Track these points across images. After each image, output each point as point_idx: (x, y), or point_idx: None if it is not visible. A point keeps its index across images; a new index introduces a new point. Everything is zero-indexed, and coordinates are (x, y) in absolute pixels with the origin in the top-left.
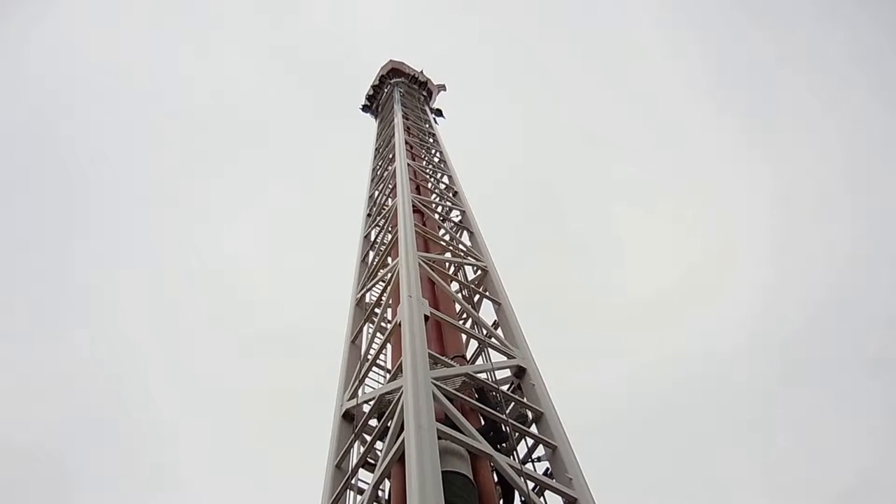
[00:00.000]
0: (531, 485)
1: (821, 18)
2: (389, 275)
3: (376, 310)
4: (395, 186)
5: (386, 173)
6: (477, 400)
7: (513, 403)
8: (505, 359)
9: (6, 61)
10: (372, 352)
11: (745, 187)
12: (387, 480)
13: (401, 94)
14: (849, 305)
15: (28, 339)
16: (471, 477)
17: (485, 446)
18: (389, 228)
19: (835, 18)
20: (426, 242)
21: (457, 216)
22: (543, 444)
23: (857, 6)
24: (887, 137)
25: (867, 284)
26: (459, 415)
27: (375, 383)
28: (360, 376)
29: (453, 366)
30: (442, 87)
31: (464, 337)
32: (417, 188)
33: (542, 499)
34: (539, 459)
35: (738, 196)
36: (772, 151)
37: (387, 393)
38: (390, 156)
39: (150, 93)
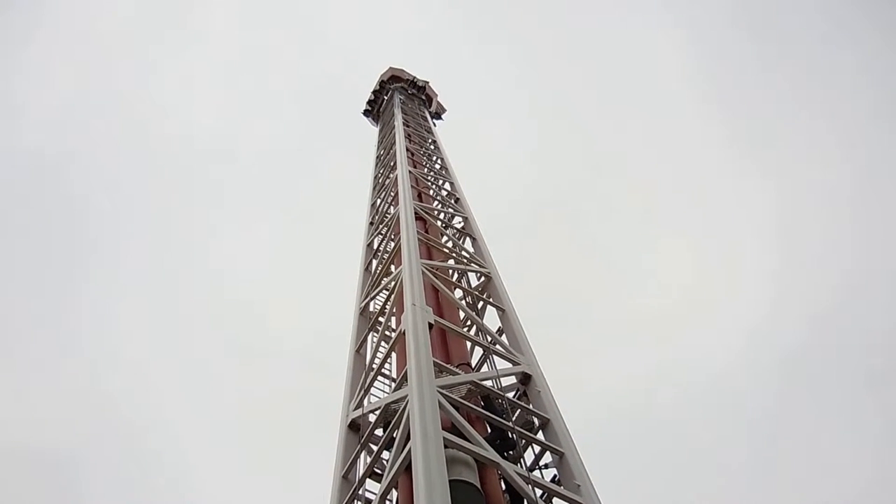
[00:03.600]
0: (539, 492)
1: (828, 38)
2: (393, 283)
3: (380, 318)
4: (397, 194)
5: (388, 181)
6: (483, 407)
7: (519, 410)
8: (510, 365)
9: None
10: (377, 361)
11: (747, 201)
12: (394, 490)
13: (401, 101)
14: (849, 320)
15: (36, 347)
16: (478, 485)
17: (492, 454)
18: (392, 236)
19: (843, 37)
20: (429, 250)
21: (459, 223)
22: (550, 451)
23: (867, 24)
24: (890, 153)
25: (867, 299)
26: (466, 423)
27: (381, 392)
28: (366, 386)
29: (458, 373)
30: (441, 109)
31: (468, 344)
32: (419, 195)
33: None
34: (546, 466)
35: (740, 210)
36: (774, 166)
37: (392, 402)
38: (392, 164)
39: (146, 114)
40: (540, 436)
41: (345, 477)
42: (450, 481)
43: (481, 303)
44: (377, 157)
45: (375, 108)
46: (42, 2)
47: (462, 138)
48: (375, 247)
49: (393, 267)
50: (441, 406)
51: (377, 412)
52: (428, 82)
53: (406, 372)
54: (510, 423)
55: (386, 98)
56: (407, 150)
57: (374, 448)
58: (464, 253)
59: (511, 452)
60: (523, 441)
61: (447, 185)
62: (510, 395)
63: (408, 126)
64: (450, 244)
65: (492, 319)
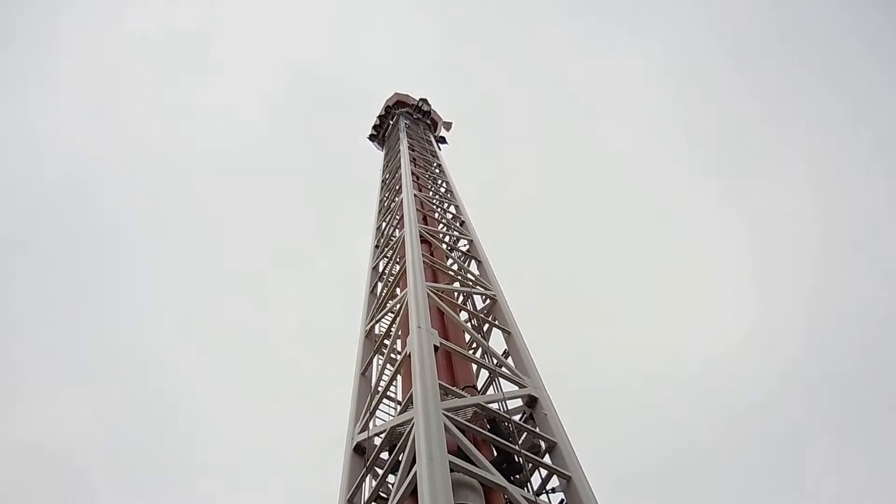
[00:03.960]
0: None
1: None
2: (398, 306)
3: (386, 341)
4: (402, 217)
5: (393, 204)
6: (489, 431)
7: (525, 434)
8: (516, 388)
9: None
10: (382, 384)
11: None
12: None
13: (406, 125)
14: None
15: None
16: None
17: (498, 478)
18: (397, 259)
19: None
20: (434, 272)
21: (464, 246)
22: (558, 475)
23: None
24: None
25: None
26: (471, 446)
27: (386, 416)
28: (371, 409)
29: (464, 396)
30: (448, 126)
31: (474, 367)
32: (424, 218)
33: None
34: (554, 491)
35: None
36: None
37: (398, 425)
38: (397, 187)
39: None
40: (547, 459)
41: (350, 501)
42: None
43: (487, 325)
44: (382, 180)
45: (381, 133)
46: (57, 12)
47: (462, 143)
48: (381, 270)
49: (398, 290)
50: (447, 429)
51: (382, 435)
52: (427, 99)
53: (411, 395)
54: (516, 447)
55: (391, 123)
56: (412, 173)
57: (380, 472)
58: (469, 275)
59: (518, 476)
60: (530, 465)
61: (452, 208)
62: (516, 417)
63: (413, 150)
64: (455, 267)
65: (497, 342)
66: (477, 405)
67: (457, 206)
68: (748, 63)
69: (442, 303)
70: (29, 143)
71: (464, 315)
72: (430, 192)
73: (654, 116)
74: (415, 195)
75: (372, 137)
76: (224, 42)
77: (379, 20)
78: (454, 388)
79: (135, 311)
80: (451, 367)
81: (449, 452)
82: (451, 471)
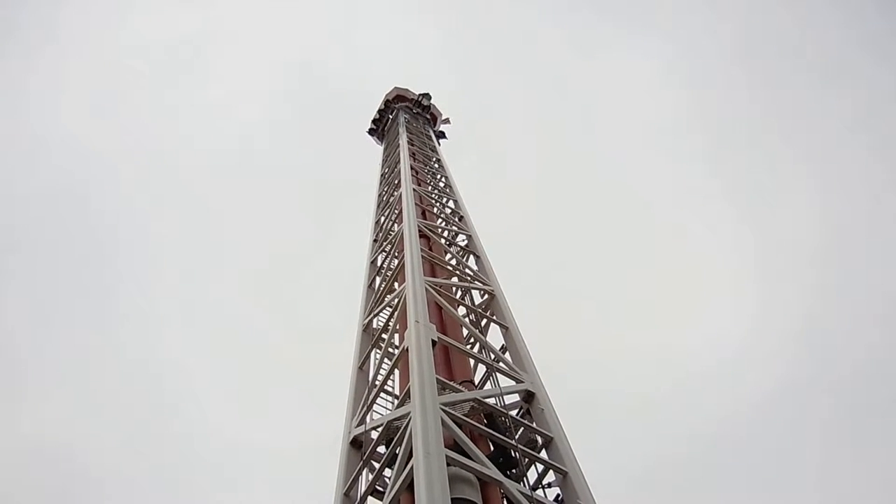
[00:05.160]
0: None
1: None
2: (396, 300)
3: (383, 335)
4: (401, 212)
5: (392, 199)
6: (486, 425)
7: (522, 429)
8: (513, 383)
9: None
10: (379, 378)
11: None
12: None
13: (406, 120)
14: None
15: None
16: None
17: (494, 473)
18: (396, 254)
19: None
20: (433, 267)
21: (463, 240)
22: (554, 470)
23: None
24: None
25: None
26: (468, 441)
27: (384, 409)
28: (368, 403)
29: (461, 391)
30: (446, 121)
31: (472, 362)
32: (423, 213)
33: None
34: (550, 485)
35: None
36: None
37: (395, 419)
38: (396, 182)
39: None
40: (543, 454)
41: (346, 495)
42: (452, 500)
43: (485, 320)
44: (381, 175)
45: (380, 127)
46: (57, 11)
47: (462, 142)
48: (379, 264)
49: (396, 284)
50: (444, 423)
51: (379, 429)
52: (430, 96)
53: (409, 389)
54: (513, 442)
55: (391, 117)
56: (411, 167)
57: (377, 466)
58: (467, 270)
59: (514, 471)
60: (526, 459)
61: (451, 203)
62: (513, 412)
63: (412, 144)
64: (453, 262)
65: (495, 337)
66: (474, 400)
67: (456, 201)
68: (749, 63)
69: (440, 297)
70: (29, 143)
71: (462, 310)
72: (430, 187)
73: (655, 116)
74: (414, 190)
75: (371, 132)
76: (223, 41)
77: (378, 19)
78: (451, 383)
79: (134, 310)
80: (449, 362)
81: (446, 447)
82: (448, 465)
